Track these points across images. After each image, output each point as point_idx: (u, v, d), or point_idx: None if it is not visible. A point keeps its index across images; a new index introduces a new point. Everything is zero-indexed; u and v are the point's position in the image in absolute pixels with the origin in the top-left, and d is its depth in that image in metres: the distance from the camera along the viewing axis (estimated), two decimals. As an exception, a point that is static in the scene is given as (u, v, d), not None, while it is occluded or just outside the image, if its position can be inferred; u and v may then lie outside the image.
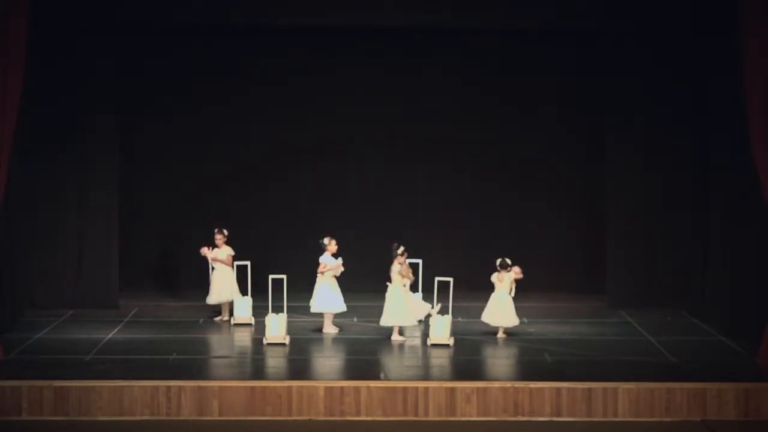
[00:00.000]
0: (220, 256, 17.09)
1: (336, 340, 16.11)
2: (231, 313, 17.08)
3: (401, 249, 15.92)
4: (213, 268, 17.17)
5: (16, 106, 14.73)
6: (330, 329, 16.40)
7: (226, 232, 17.19)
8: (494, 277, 16.24)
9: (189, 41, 18.94)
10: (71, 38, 17.53)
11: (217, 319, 17.14)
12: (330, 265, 16.22)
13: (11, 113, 14.68)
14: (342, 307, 16.38)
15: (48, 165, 17.88)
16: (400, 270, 15.84)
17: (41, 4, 15.66)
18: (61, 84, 17.68)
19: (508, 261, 16.23)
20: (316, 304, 16.37)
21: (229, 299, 17.13)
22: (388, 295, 15.94)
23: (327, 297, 16.30)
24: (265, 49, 19.06)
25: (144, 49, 18.90)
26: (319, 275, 16.31)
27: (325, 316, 16.43)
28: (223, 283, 17.11)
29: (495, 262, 16.27)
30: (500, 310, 16.20)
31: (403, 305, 15.91)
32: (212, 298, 17.16)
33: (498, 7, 17.15)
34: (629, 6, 17.13)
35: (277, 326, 15.68)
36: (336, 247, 16.32)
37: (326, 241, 16.34)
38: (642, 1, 17.14)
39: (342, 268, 16.27)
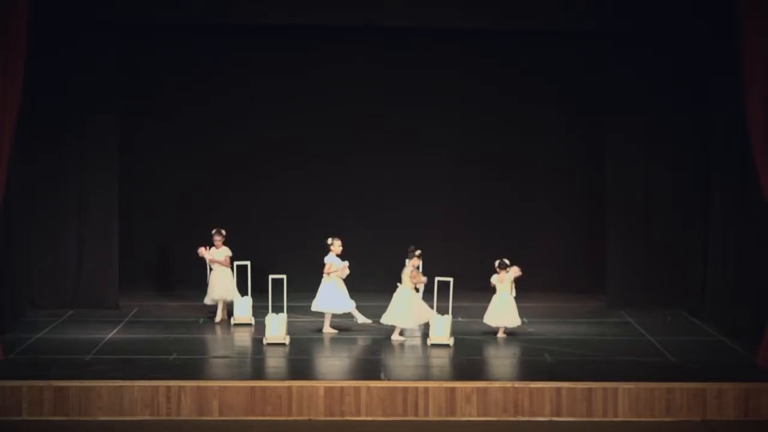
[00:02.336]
0: (217, 257, 17.06)
1: (336, 340, 16.11)
2: (230, 314, 17.06)
3: (418, 252, 15.92)
4: (211, 269, 17.16)
5: (16, 105, 14.72)
6: (328, 330, 16.40)
7: (224, 232, 17.16)
8: (494, 279, 16.24)
9: (189, 40, 18.94)
10: (71, 38, 17.54)
11: (217, 320, 17.10)
12: (336, 266, 16.22)
13: (11, 113, 14.67)
14: (346, 307, 16.38)
15: (48, 165, 17.89)
16: (410, 273, 15.83)
17: (41, 4, 15.66)
18: (61, 84, 17.69)
19: (507, 261, 16.24)
20: (318, 304, 16.37)
21: (227, 299, 17.11)
22: (396, 295, 15.95)
23: (330, 297, 16.30)
24: (265, 48, 19.06)
25: (144, 48, 18.91)
26: (324, 275, 16.31)
27: (325, 316, 16.44)
28: (220, 284, 17.08)
29: (494, 264, 16.29)
30: (503, 310, 16.20)
31: (408, 308, 15.92)
32: (209, 298, 17.14)
33: (499, 7, 17.15)
34: (629, 6, 17.12)
35: (277, 326, 15.68)
36: (341, 247, 16.33)
37: (330, 240, 16.35)
38: (642, 1, 17.13)
39: (347, 271, 16.28)
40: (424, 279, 16.00)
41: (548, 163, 19.57)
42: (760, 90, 14.51)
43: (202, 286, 17.27)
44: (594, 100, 18.99)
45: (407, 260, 16.05)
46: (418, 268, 16.00)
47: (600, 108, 18.74)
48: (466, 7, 17.14)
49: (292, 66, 19.23)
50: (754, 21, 14.55)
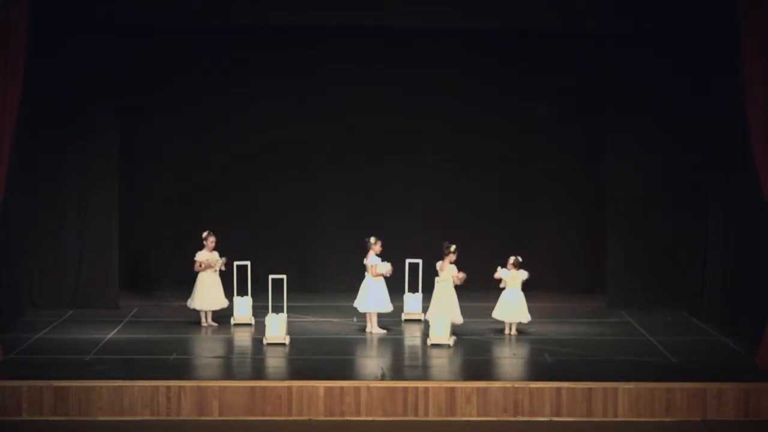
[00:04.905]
0: (214, 262, 16.89)
1: (336, 340, 16.10)
2: (215, 318, 16.92)
3: (453, 247, 15.96)
4: (217, 271, 16.93)
5: (16, 105, 14.72)
6: (378, 330, 16.37)
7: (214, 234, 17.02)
8: (505, 274, 16.28)
9: (189, 40, 18.93)
10: (71, 38, 17.54)
11: (205, 325, 16.93)
12: (381, 267, 16.20)
13: (11, 113, 14.67)
14: (389, 307, 16.36)
15: (48, 165, 17.89)
16: (453, 274, 15.87)
17: (41, 4, 15.66)
18: (60, 84, 17.69)
19: (520, 259, 16.37)
20: (367, 304, 16.33)
21: (215, 309, 16.94)
22: (438, 291, 15.98)
23: (378, 297, 16.27)
24: (265, 48, 19.05)
25: (144, 48, 18.91)
26: (366, 275, 16.29)
27: (371, 316, 16.41)
28: (211, 291, 16.83)
29: (497, 261, 16.35)
30: (514, 306, 16.28)
31: (454, 301, 15.97)
32: (199, 304, 16.92)
33: (499, 7, 17.14)
34: (629, 6, 17.12)
35: (277, 326, 15.67)
36: (381, 247, 16.30)
37: (372, 240, 16.32)
38: (642, 1, 17.13)
39: (391, 271, 16.29)
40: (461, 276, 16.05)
41: (548, 163, 19.56)
42: (760, 90, 14.52)
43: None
44: (594, 100, 18.99)
45: (445, 257, 16.03)
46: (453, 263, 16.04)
47: (600, 108, 18.74)
48: (466, 7, 17.13)
49: (292, 66, 19.23)
50: (754, 21, 14.55)
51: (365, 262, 16.34)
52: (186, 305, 16.97)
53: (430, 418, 13.45)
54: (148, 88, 19.16)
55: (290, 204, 19.50)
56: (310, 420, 13.42)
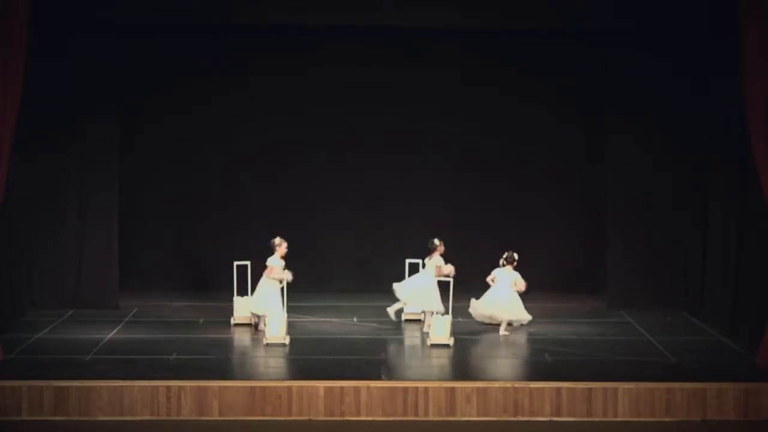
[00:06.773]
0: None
1: (336, 340, 16.10)
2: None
3: (516, 255, 16.42)
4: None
5: (16, 105, 14.71)
6: (393, 310, 16.46)
7: None
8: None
9: (189, 40, 18.94)
10: (71, 38, 17.54)
11: (261, 327, 16.48)
12: (445, 268, 16.26)
13: (11, 113, 14.66)
14: (441, 308, 16.33)
15: (48, 165, 17.89)
16: (518, 281, 16.32)
17: (41, 3, 15.65)
18: (60, 84, 17.69)
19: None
20: (419, 301, 16.43)
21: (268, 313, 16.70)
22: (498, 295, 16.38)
23: (435, 296, 16.33)
24: (265, 48, 19.06)
25: (144, 48, 18.91)
26: (426, 274, 16.34)
27: (427, 314, 16.42)
28: (274, 295, 16.47)
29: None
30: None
31: (517, 303, 16.41)
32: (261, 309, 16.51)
33: (499, 7, 17.14)
34: (629, 6, 17.12)
35: (277, 326, 15.67)
36: (443, 248, 16.34)
37: (437, 242, 16.35)
38: (642, 1, 17.13)
39: (454, 272, 16.39)
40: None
41: (548, 163, 19.56)
42: (760, 90, 14.51)
43: (203, 285, 17.17)
44: (594, 100, 18.98)
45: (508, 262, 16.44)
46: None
47: (600, 108, 18.74)
48: (466, 7, 17.13)
49: (292, 66, 19.23)
50: (754, 21, 14.55)
51: (427, 261, 16.38)
52: (185, 305, 16.97)
53: (430, 418, 13.45)
54: (148, 88, 19.15)
55: (290, 204, 19.50)
56: (310, 420, 13.42)
